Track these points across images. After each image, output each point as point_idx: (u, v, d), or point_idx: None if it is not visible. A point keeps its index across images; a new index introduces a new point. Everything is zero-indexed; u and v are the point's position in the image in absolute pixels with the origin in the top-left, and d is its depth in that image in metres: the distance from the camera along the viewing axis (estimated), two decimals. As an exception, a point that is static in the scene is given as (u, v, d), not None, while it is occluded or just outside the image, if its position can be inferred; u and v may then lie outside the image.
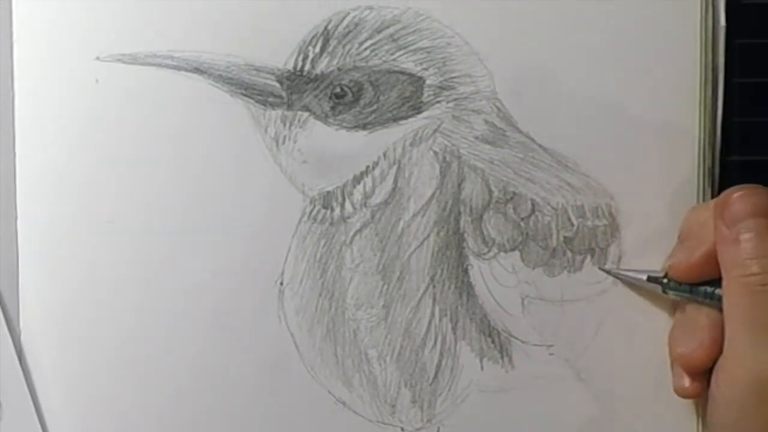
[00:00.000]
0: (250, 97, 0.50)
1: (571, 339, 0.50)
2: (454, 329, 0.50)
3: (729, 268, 0.45)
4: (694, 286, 0.47)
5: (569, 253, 0.50)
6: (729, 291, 0.45)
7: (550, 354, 0.50)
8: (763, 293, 0.43)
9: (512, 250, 0.50)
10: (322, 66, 0.50)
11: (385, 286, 0.50)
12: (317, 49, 0.50)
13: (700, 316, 0.47)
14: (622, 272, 0.50)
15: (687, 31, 0.50)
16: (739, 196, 0.45)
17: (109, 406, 0.50)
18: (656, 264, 0.49)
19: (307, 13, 0.50)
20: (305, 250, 0.50)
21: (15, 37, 0.50)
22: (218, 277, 0.50)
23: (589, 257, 0.50)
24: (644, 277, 0.49)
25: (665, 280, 0.48)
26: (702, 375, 0.47)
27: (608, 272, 0.50)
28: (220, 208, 0.50)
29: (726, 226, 0.45)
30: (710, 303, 0.47)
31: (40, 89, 0.50)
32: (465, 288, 0.50)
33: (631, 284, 0.50)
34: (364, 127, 0.50)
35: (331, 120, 0.50)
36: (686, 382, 0.48)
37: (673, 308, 0.49)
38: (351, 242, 0.50)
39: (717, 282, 0.46)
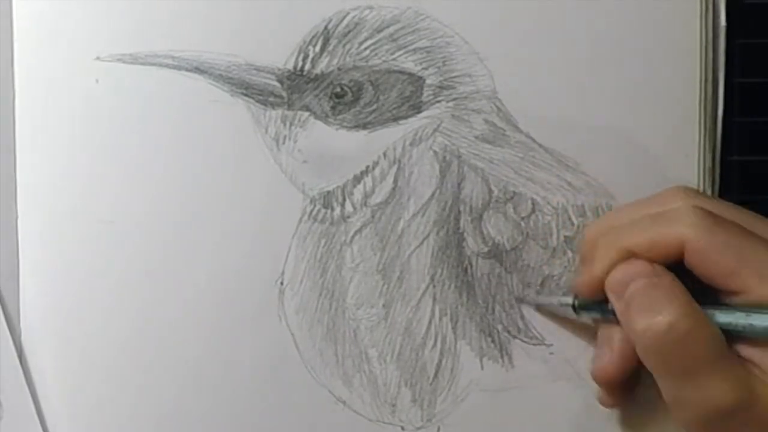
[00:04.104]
0: (250, 96, 0.50)
1: (571, 339, 0.50)
2: (454, 329, 0.50)
3: (632, 332, 0.45)
4: (603, 303, 0.47)
5: (570, 253, 0.50)
6: (640, 353, 0.45)
7: (550, 354, 0.50)
8: (657, 352, 0.44)
9: (512, 249, 0.50)
10: (322, 66, 0.50)
11: (385, 286, 0.50)
12: (317, 49, 0.50)
13: (613, 332, 0.47)
14: (538, 300, 0.50)
15: (687, 31, 0.50)
16: (619, 268, 0.46)
17: (109, 405, 0.50)
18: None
19: (307, 13, 0.50)
20: (305, 249, 0.50)
21: (15, 37, 0.50)
22: (218, 277, 0.50)
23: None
24: (557, 302, 0.49)
25: (576, 303, 0.48)
26: (619, 387, 0.48)
27: (523, 301, 0.50)
28: (220, 207, 0.50)
29: (616, 297, 0.46)
30: (615, 319, 0.46)
31: (40, 89, 0.50)
32: (465, 287, 0.50)
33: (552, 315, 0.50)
34: (364, 126, 0.50)
35: (331, 120, 0.50)
36: (603, 395, 0.49)
37: None
38: (351, 242, 0.50)
39: None
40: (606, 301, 0.46)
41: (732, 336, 0.44)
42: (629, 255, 0.46)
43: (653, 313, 0.43)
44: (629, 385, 0.48)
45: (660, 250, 0.45)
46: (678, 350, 0.43)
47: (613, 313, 0.46)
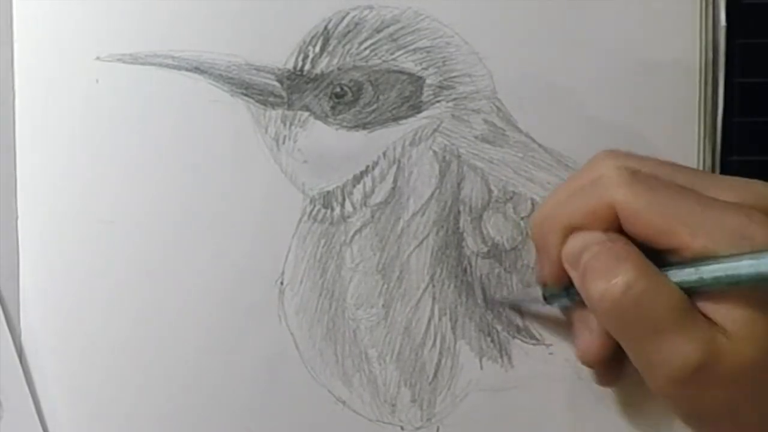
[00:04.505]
0: (250, 96, 0.50)
1: (570, 338, 0.50)
2: (453, 328, 0.50)
3: (589, 300, 0.44)
4: (569, 288, 0.46)
5: (569, 253, 0.50)
6: (601, 320, 0.45)
7: (550, 353, 0.50)
8: (614, 317, 0.44)
9: (512, 249, 0.50)
10: (322, 66, 0.50)
11: (385, 286, 0.50)
12: (317, 49, 0.50)
13: (586, 313, 0.46)
14: (510, 299, 0.50)
15: (687, 31, 0.50)
16: (570, 240, 0.45)
17: (109, 405, 0.50)
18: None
19: (307, 13, 0.50)
20: (305, 249, 0.50)
21: (15, 37, 0.50)
22: (218, 276, 0.50)
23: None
24: (527, 297, 0.49)
25: (545, 294, 0.48)
26: (608, 364, 0.47)
27: (499, 302, 0.50)
28: (220, 207, 0.50)
29: (573, 268, 0.45)
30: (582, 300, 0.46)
31: (41, 89, 0.50)
32: (464, 287, 0.50)
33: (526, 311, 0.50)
34: (364, 126, 0.50)
35: (331, 120, 0.50)
36: (597, 376, 0.49)
37: None
38: (351, 242, 0.50)
39: None
40: (571, 284, 0.46)
41: (687, 294, 0.43)
42: (573, 231, 0.45)
43: (609, 277, 0.43)
44: (620, 360, 0.47)
45: (597, 219, 0.44)
46: (637, 312, 0.43)
47: (579, 295, 0.46)
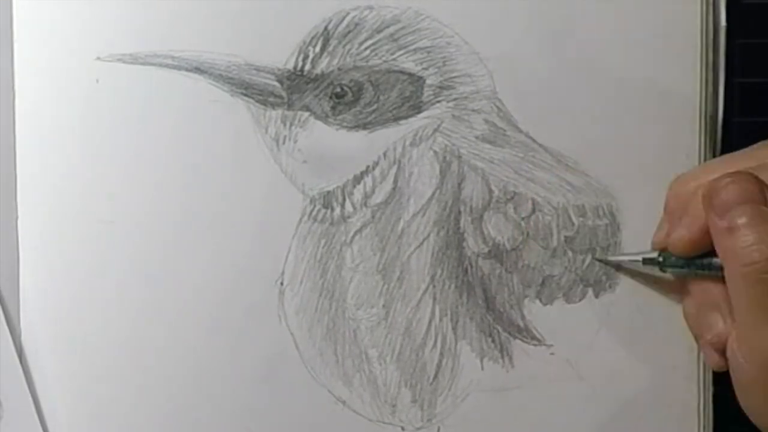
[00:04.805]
0: (250, 96, 0.50)
1: (571, 339, 0.50)
2: (454, 329, 0.50)
3: (728, 257, 0.44)
4: (691, 260, 0.46)
5: (570, 253, 0.50)
6: (731, 280, 0.44)
7: (551, 354, 0.50)
8: (765, 281, 0.42)
9: (513, 249, 0.50)
10: (322, 66, 0.50)
11: (386, 286, 0.50)
12: (317, 49, 0.50)
13: (710, 292, 0.46)
14: (618, 258, 0.50)
15: (687, 31, 0.50)
16: (726, 184, 0.44)
17: (108, 405, 0.50)
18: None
19: (307, 13, 0.50)
20: (305, 250, 0.50)
21: (15, 37, 0.50)
22: (218, 277, 0.50)
23: (589, 257, 0.50)
24: (639, 259, 0.49)
25: (661, 259, 0.48)
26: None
27: (603, 261, 0.50)
28: (220, 207, 0.50)
29: (717, 216, 0.44)
30: (710, 274, 0.46)
31: (41, 89, 0.50)
32: (465, 287, 0.50)
33: (632, 273, 0.50)
34: (364, 126, 0.50)
35: (331, 120, 0.50)
36: (721, 360, 0.46)
37: (678, 296, 0.49)
38: (351, 242, 0.50)
39: (712, 252, 0.46)
40: (698, 256, 0.46)
41: None
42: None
43: (762, 249, 0.42)
44: None
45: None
46: None
47: (704, 267, 0.45)
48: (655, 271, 0.48)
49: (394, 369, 0.50)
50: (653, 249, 0.49)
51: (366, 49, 0.50)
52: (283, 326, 0.50)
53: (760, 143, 0.46)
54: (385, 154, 0.50)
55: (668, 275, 0.49)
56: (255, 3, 0.50)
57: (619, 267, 0.50)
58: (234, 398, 0.50)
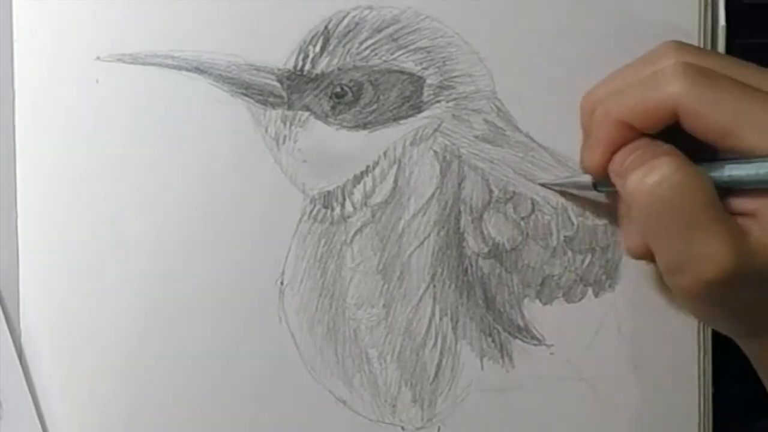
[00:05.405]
0: (250, 96, 0.50)
1: (571, 339, 0.50)
2: (454, 329, 0.50)
3: (626, 194, 0.44)
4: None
5: (570, 253, 0.50)
6: (636, 216, 0.45)
7: (551, 353, 0.50)
8: (654, 196, 0.43)
9: (512, 249, 0.50)
10: (322, 66, 0.50)
11: (386, 286, 0.50)
12: (317, 49, 0.50)
13: None
14: (558, 182, 0.49)
15: (687, 32, 0.50)
16: (617, 156, 0.45)
17: (108, 406, 0.50)
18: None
19: (307, 13, 0.50)
20: (305, 249, 0.50)
21: (15, 37, 0.50)
22: (218, 277, 0.50)
23: (589, 257, 0.50)
24: (575, 183, 0.49)
25: (594, 181, 0.48)
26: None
27: (546, 186, 0.50)
28: (220, 207, 0.50)
29: (619, 179, 0.45)
30: None
31: (41, 89, 0.50)
32: (465, 287, 0.50)
33: (574, 197, 0.50)
34: (364, 126, 0.50)
35: (331, 119, 0.50)
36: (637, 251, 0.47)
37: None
38: (351, 242, 0.50)
39: None
40: None
41: (731, 191, 0.43)
42: (624, 126, 0.44)
43: (645, 169, 0.42)
44: None
45: (653, 116, 0.44)
46: (672, 204, 0.42)
47: None
48: (593, 193, 0.48)
49: (395, 369, 0.50)
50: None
51: (366, 48, 0.50)
52: (283, 326, 0.50)
53: (657, 46, 0.45)
54: (385, 154, 0.50)
55: (603, 196, 0.49)
56: (255, 3, 0.50)
57: (563, 193, 0.50)
58: (234, 398, 0.50)
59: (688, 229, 0.42)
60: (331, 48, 0.50)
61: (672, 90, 0.43)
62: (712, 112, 0.43)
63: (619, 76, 0.46)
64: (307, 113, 0.50)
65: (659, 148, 0.44)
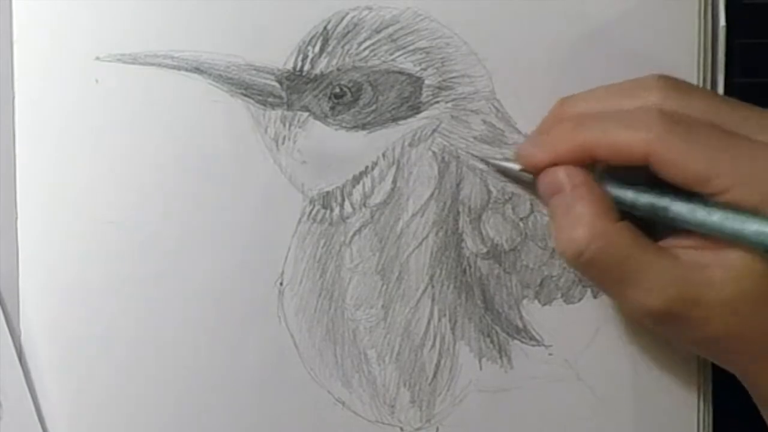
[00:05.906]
0: (249, 97, 0.50)
1: (570, 339, 0.50)
2: (453, 329, 0.50)
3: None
4: None
5: (568, 253, 0.50)
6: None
7: (550, 354, 0.50)
8: (577, 264, 0.45)
9: (511, 250, 0.50)
10: (321, 66, 0.50)
11: (384, 286, 0.50)
12: (316, 50, 0.50)
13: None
14: (502, 164, 0.49)
15: (687, 31, 0.50)
16: (546, 176, 0.46)
17: (109, 405, 0.50)
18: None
19: (306, 13, 0.50)
20: (305, 250, 0.50)
21: (15, 37, 0.50)
22: (218, 277, 0.50)
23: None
24: (509, 166, 0.49)
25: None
26: None
27: (493, 165, 0.50)
28: (219, 208, 0.50)
29: (546, 201, 0.47)
30: None
31: (41, 89, 0.50)
32: (464, 288, 0.50)
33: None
34: (363, 127, 0.50)
35: (330, 120, 0.50)
36: None
37: None
38: (350, 242, 0.50)
39: None
40: None
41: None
42: (585, 151, 0.45)
43: (567, 234, 0.44)
44: None
45: (619, 155, 0.44)
46: (596, 269, 0.44)
47: None
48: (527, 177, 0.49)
49: (393, 369, 0.50)
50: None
51: (365, 49, 0.50)
52: (282, 327, 0.50)
53: (643, 78, 0.46)
54: (384, 155, 0.50)
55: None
56: (255, 3, 0.50)
57: (505, 174, 0.50)
58: (233, 398, 0.50)
59: (617, 284, 0.44)
60: (330, 48, 0.50)
61: (648, 136, 0.43)
62: (684, 161, 0.43)
63: (601, 97, 0.47)
64: (306, 114, 0.50)
65: (578, 206, 0.45)
